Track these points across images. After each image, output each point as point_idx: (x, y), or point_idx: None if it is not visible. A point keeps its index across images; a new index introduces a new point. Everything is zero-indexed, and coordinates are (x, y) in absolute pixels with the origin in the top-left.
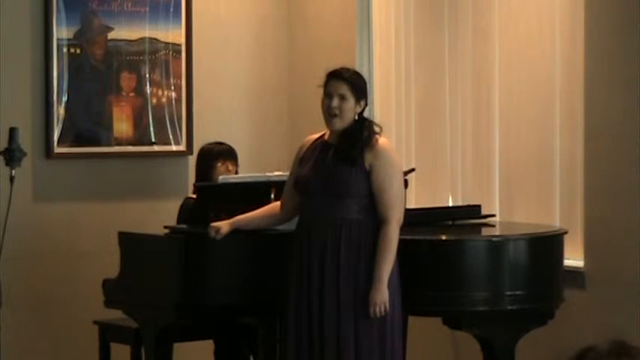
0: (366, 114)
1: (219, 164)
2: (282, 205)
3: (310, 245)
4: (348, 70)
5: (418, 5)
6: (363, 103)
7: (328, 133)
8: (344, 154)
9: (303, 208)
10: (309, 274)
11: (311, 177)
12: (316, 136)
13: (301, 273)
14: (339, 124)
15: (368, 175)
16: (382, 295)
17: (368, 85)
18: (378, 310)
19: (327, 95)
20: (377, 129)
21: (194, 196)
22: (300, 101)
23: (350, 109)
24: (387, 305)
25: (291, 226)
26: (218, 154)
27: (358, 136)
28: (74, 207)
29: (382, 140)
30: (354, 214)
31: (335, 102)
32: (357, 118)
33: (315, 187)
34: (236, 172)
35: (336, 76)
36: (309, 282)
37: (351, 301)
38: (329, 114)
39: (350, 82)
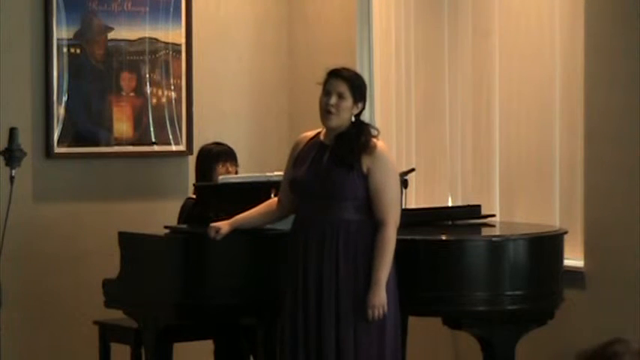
0: (366, 113)
1: (219, 165)
2: (279, 202)
3: (307, 246)
4: (348, 70)
5: (418, 5)
6: (360, 105)
7: (324, 132)
8: (340, 157)
9: (299, 209)
10: (306, 275)
11: (307, 179)
12: (311, 134)
13: (297, 273)
14: (335, 121)
15: (365, 178)
16: (380, 299)
17: (368, 85)
18: (376, 313)
19: (326, 93)
20: (374, 132)
21: (195, 196)
22: (300, 101)
23: (347, 108)
24: (385, 308)
25: (289, 225)
26: (217, 154)
27: (355, 140)
28: (74, 207)
29: (380, 144)
30: (352, 215)
31: (333, 99)
32: (353, 120)
33: (312, 189)
34: (236, 173)
35: (337, 74)
36: (306, 282)
37: (349, 302)
38: (326, 110)
39: (350, 81)
